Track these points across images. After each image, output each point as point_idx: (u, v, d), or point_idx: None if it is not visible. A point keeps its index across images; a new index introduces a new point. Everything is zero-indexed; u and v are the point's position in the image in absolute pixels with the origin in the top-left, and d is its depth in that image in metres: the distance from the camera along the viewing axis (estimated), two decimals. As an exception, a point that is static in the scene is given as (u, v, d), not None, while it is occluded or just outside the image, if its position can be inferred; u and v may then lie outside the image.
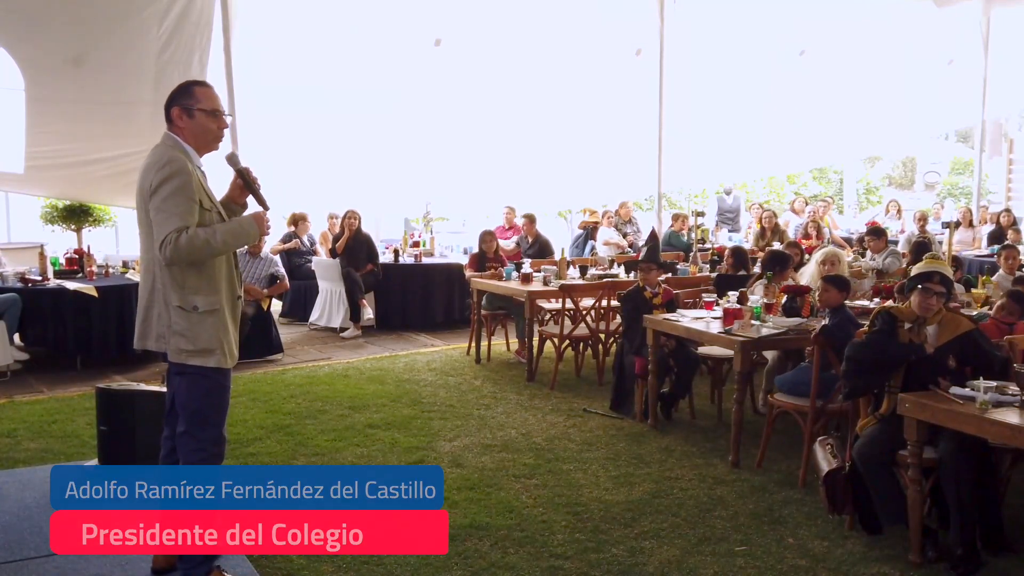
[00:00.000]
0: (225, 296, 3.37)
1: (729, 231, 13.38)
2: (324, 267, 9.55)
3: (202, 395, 3.37)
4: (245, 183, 3.55)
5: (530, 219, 10.05)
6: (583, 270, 7.98)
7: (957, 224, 12.20)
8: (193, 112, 3.35)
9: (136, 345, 3.43)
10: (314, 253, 10.35)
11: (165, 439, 3.60)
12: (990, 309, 5.44)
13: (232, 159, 3.59)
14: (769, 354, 5.97)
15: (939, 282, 3.99)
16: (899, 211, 14.02)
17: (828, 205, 14.07)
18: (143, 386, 4.98)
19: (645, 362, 5.84)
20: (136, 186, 3.36)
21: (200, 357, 3.30)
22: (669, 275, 7.66)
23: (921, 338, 3.99)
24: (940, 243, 10.57)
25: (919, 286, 4.01)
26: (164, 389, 3.74)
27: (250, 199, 3.64)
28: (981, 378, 3.65)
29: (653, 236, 8.22)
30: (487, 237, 8.64)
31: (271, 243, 9.52)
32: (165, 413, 3.59)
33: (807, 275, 6.41)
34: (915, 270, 4.18)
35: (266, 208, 3.62)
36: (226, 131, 3.50)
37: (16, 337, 7.51)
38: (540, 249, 9.72)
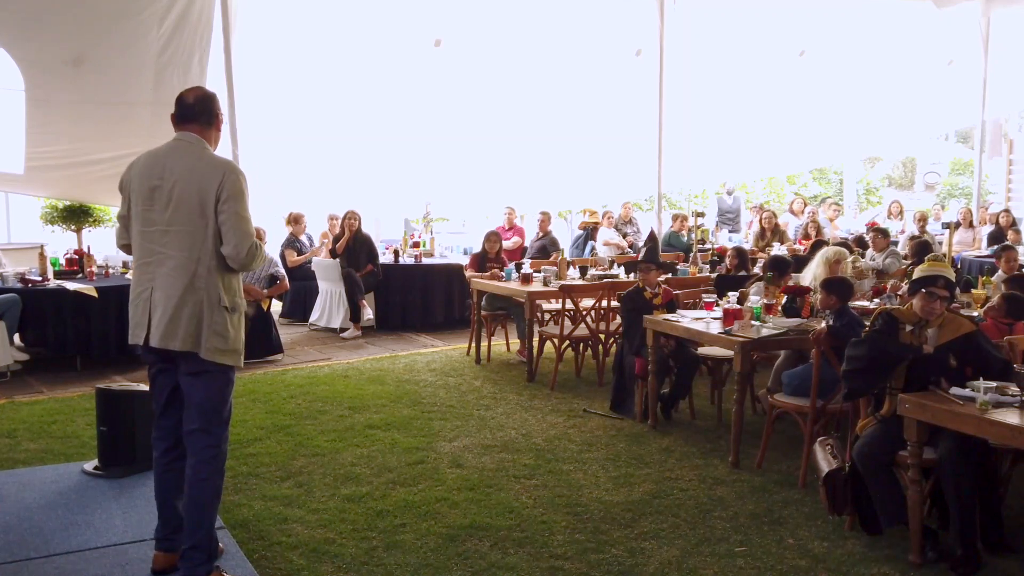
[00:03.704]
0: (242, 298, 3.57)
1: (729, 231, 13.39)
2: (324, 267, 9.55)
3: (219, 393, 3.46)
4: None
5: (546, 216, 11.02)
6: (583, 270, 7.99)
7: (957, 225, 12.20)
8: (222, 117, 3.55)
9: (159, 344, 3.33)
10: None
11: (156, 440, 3.59)
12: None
13: None
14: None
15: (943, 287, 3.98)
16: (900, 212, 14.02)
17: (838, 209, 14.10)
18: (143, 386, 4.98)
19: (645, 363, 5.84)
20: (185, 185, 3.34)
21: (232, 356, 3.43)
22: (669, 275, 7.67)
23: (921, 340, 3.99)
24: (940, 244, 10.57)
25: (923, 290, 4.00)
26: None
27: None
28: (981, 379, 3.65)
29: (652, 237, 8.22)
30: (492, 237, 8.65)
31: (270, 250, 9.50)
32: (158, 414, 3.57)
33: (810, 274, 6.39)
34: (917, 272, 4.16)
35: None
36: (225, 130, 3.63)
37: (16, 337, 7.52)
38: (549, 243, 10.51)
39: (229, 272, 3.41)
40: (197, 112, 3.41)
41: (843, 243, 8.65)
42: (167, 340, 3.33)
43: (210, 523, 3.46)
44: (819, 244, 8.21)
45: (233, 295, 3.44)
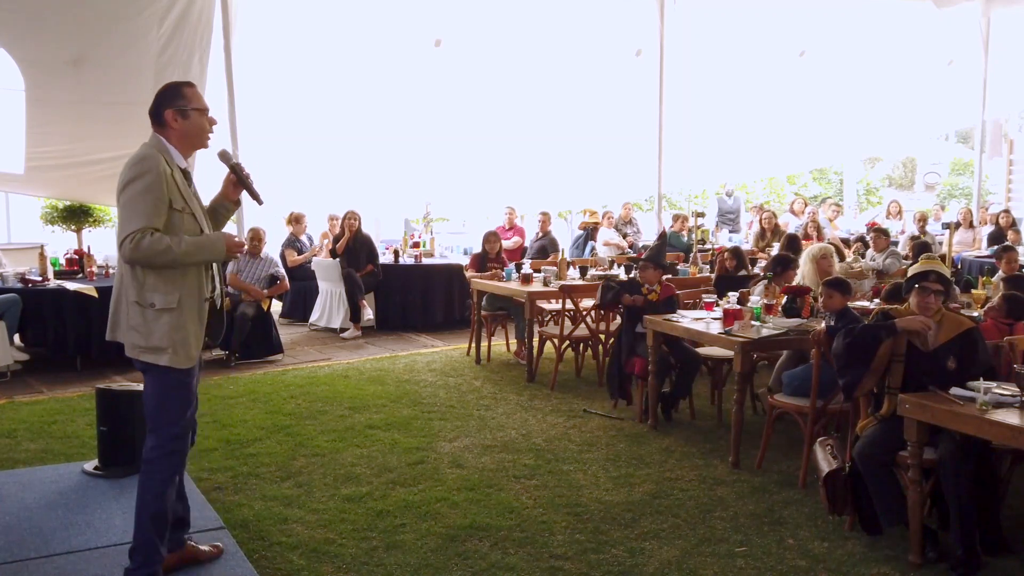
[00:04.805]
0: (187, 295, 3.31)
1: (730, 232, 13.40)
2: (324, 268, 9.55)
3: (158, 392, 3.35)
4: (239, 178, 3.56)
5: (547, 216, 10.96)
6: (583, 271, 7.99)
7: (957, 225, 12.20)
8: (188, 113, 3.37)
9: (108, 336, 3.43)
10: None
11: None
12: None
13: (225, 156, 3.58)
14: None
15: (935, 280, 3.98)
16: (899, 212, 14.02)
17: (837, 209, 14.09)
18: (143, 386, 4.98)
19: (645, 362, 5.84)
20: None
21: (151, 354, 3.28)
22: (668, 276, 7.67)
23: (920, 338, 3.99)
24: (940, 244, 10.58)
25: (916, 286, 4.01)
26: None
27: (239, 196, 3.66)
28: (981, 379, 3.66)
29: (661, 236, 8.25)
30: (491, 238, 8.64)
31: (270, 250, 9.50)
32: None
33: (799, 273, 6.39)
34: (911, 271, 4.18)
35: (259, 203, 3.62)
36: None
37: (16, 337, 7.52)
38: (549, 243, 10.44)
39: (147, 268, 3.23)
40: (151, 114, 3.39)
41: (844, 242, 8.66)
42: (112, 332, 3.39)
43: (146, 527, 3.34)
44: (793, 240, 8.29)
45: (151, 291, 3.23)
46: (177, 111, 3.35)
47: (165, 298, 3.26)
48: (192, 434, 3.61)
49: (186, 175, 3.42)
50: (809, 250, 6.47)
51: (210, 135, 3.49)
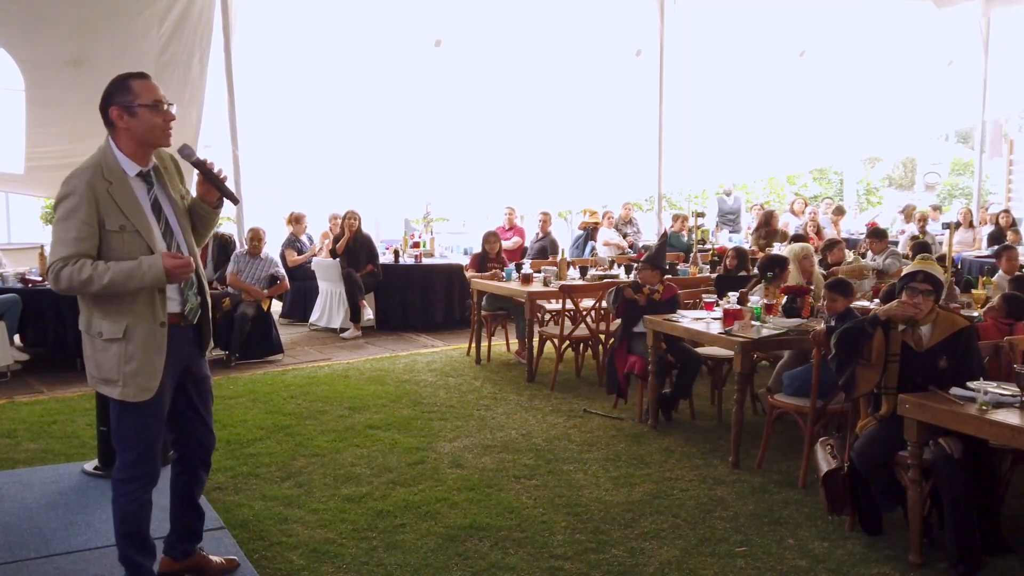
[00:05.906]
0: (136, 323, 3.04)
1: (730, 232, 13.40)
2: (324, 268, 9.55)
3: (114, 415, 3.15)
4: (205, 176, 3.20)
5: (546, 216, 10.93)
6: (583, 271, 7.99)
7: (957, 225, 12.20)
8: (134, 109, 3.00)
9: None
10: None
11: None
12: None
13: (185, 152, 3.21)
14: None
15: (923, 280, 3.98)
16: (910, 215, 13.96)
17: (840, 212, 14.09)
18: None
19: (644, 362, 5.84)
20: None
21: (105, 386, 3.09)
22: (668, 277, 7.68)
23: (915, 339, 3.99)
24: (940, 244, 10.58)
25: (906, 286, 4.02)
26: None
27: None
28: (982, 379, 3.65)
29: (663, 237, 8.25)
30: (491, 238, 8.64)
31: (271, 250, 9.50)
32: None
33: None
34: (904, 271, 4.18)
35: (235, 202, 3.34)
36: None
37: (16, 337, 7.52)
38: (549, 244, 10.44)
39: (95, 296, 3.03)
40: (100, 112, 3.07)
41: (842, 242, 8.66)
42: None
43: (123, 543, 3.21)
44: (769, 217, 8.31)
45: (99, 319, 3.04)
46: (122, 108, 3.00)
47: (111, 327, 3.01)
48: (205, 451, 3.43)
49: (147, 177, 3.11)
50: (790, 250, 6.49)
51: (170, 132, 3.10)
